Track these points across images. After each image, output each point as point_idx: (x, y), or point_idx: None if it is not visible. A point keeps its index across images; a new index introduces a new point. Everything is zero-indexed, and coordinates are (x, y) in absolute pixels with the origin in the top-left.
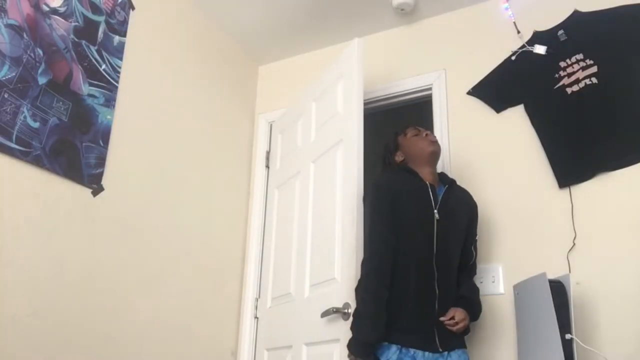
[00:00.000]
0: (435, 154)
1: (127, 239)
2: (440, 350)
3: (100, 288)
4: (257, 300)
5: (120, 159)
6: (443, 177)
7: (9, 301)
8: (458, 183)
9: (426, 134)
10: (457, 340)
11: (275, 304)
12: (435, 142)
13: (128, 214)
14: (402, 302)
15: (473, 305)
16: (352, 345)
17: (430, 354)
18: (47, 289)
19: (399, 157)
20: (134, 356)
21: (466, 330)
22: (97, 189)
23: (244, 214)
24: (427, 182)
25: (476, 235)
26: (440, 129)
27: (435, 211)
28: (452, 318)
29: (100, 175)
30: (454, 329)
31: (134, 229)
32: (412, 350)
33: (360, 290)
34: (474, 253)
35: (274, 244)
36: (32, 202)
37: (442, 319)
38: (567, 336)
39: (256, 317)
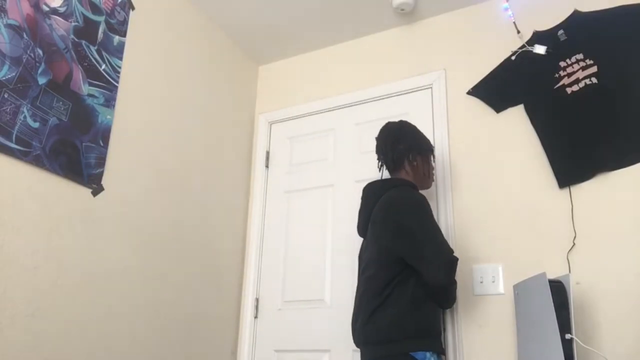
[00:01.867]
0: (427, 189)
1: (127, 239)
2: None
3: (100, 288)
4: (257, 300)
5: (120, 159)
6: None
7: (9, 301)
8: (457, 183)
9: (434, 171)
10: None
11: (292, 307)
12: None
13: (128, 214)
14: (434, 307)
15: None
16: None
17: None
18: (47, 289)
19: (417, 161)
20: (133, 356)
21: None
22: (97, 189)
23: (243, 214)
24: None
25: None
26: (440, 129)
27: None
28: None
29: (100, 175)
30: None
31: (134, 229)
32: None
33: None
34: None
35: (285, 247)
36: (32, 202)
37: None
38: (567, 336)
39: (256, 317)
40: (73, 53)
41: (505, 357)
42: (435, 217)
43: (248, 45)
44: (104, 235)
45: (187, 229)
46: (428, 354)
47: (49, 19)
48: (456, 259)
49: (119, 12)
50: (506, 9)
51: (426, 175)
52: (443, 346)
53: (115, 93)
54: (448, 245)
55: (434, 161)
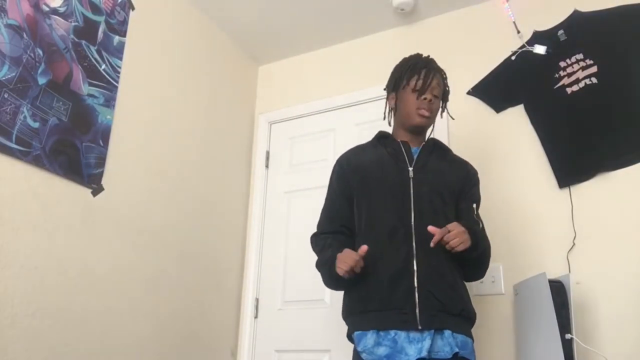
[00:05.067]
0: (419, 127)
1: (127, 239)
2: (420, 327)
3: (100, 288)
4: (257, 300)
5: (120, 159)
6: (430, 141)
7: (9, 301)
8: None
9: (424, 98)
10: (455, 322)
11: (292, 307)
12: (426, 117)
13: (128, 214)
14: (373, 280)
15: (472, 230)
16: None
17: (417, 334)
18: (47, 289)
19: (391, 101)
20: (133, 356)
21: (468, 314)
22: (97, 189)
23: (243, 214)
24: (399, 140)
25: (478, 201)
26: (440, 129)
27: (410, 168)
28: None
29: (100, 175)
30: (449, 242)
31: (134, 229)
32: (392, 332)
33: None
34: (480, 223)
35: (285, 247)
36: (32, 202)
37: (430, 228)
38: (567, 336)
39: (256, 317)
40: (73, 53)
41: (505, 357)
42: None
43: (248, 45)
44: (104, 235)
45: (187, 228)
46: (369, 334)
47: (49, 19)
48: (314, 235)
49: (119, 12)
50: (506, 9)
51: (408, 107)
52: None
53: (115, 93)
54: (324, 218)
55: (423, 87)
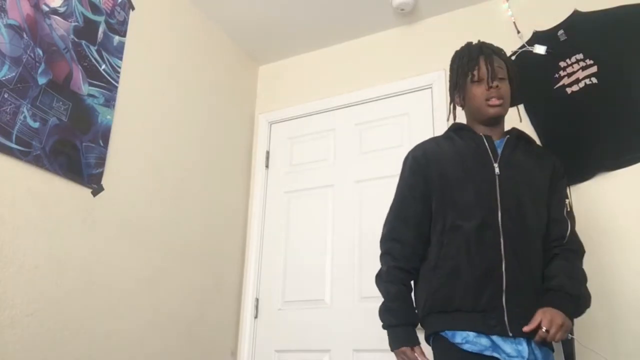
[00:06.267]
0: (493, 118)
1: (127, 239)
2: (510, 334)
3: (100, 288)
4: (257, 300)
5: (120, 159)
6: (514, 133)
7: (9, 301)
8: None
9: (490, 87)
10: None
11: (292, 307)
12: (498, 106)
13: (128, 214)
14: (458, 281)
15: (567, 299)
16: (390, 341)
17: (512, 340)
18: (47, 289)
19: (458, 100)
20: (133, 356)
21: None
22: (97, 189)
23: (243, 214)
24: (481, 134)
25: (567, 197)
26: (440, 130)
27: (495, 165)
28: (540, 326)
29: (100, 175)
30: (548, 339)
31: (134, 229)
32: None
33: (381, 279)
34: (568, 221)
35: (285, 247)
36: (32, 202)
37: (525, 329)
38: (567, 336)
39: (256, 317)
40: (73, 53)
41: None
42: None
43: (248, 45)
44: (103, 235)
45: (187, 229)
46: (469, 334)
47: (49, 19)
48: (385, 240)
49: (119, 12)
50: (506, 9)
51: (476, 100)
52: (490, 324)
53: (115, 93)
54: (394, 224)
55: (483, 78)
